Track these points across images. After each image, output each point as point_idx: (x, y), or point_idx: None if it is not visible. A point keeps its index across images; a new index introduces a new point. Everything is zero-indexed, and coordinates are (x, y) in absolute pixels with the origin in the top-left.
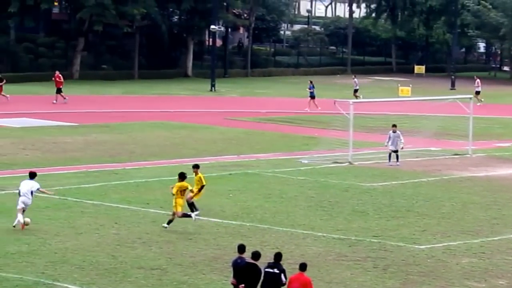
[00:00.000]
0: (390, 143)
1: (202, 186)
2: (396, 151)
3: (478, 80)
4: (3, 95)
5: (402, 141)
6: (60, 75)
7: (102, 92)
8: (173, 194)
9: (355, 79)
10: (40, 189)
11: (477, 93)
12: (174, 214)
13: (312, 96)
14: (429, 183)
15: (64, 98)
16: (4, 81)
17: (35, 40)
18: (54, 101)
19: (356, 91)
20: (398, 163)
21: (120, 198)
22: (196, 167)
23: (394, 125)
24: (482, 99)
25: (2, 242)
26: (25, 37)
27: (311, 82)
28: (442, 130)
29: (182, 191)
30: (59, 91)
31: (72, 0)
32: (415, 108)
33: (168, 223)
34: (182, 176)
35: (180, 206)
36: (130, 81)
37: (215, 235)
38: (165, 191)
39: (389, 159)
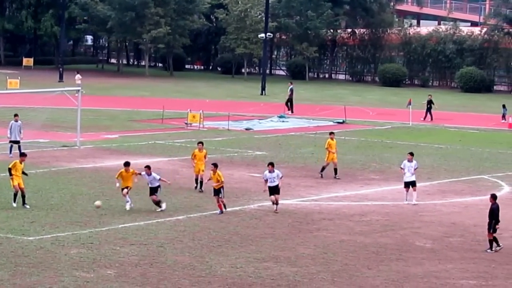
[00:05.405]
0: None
1: None
2: (18, 142)
3: None
4: None
5: (21, 131)
6: None
7: None
8: None
9: None
10: None
11: None
12: None
13: None
14: (38, 175)
15: None
16: None
17: None
18: None
19: None
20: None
21: None
22: None
23: (15, 114)
24: None
25: None
26: None
27: None
28: (50, 122)
29: None
30: None
31: None
32: (25, 101)
33: None
34: None
35: None
36: None
37: None
38: None
39: (10, 151)
